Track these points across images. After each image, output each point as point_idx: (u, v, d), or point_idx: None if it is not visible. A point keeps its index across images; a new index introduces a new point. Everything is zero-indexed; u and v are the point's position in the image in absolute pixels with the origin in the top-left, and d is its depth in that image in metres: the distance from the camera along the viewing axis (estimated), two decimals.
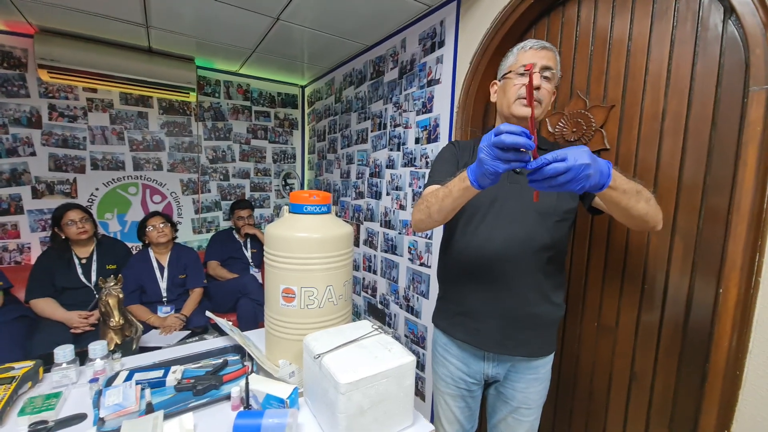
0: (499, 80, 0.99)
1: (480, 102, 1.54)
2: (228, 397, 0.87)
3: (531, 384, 0.98)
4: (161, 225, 2.09)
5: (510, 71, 0.94)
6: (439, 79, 1.68)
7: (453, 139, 1.59)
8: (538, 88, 0.89)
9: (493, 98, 1.02)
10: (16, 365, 0.93)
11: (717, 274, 0.91)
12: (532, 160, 0.62)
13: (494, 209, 0.94)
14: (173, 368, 0.97)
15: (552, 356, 1.01)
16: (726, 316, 0.85)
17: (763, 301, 0.81)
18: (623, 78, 1.10)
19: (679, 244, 1.00)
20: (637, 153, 1.07)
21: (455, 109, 1.59)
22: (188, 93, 2.47)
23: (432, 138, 1.73)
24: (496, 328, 0.94)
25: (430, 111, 1.74)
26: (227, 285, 2.28)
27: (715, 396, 0.88)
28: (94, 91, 2.34)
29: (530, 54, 0.91)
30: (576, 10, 1.22)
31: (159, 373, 0.95)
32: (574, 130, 1.20)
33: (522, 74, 0.91)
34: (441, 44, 1.66)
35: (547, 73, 0.90)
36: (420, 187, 1.81)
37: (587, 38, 1.19)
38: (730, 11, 0.88)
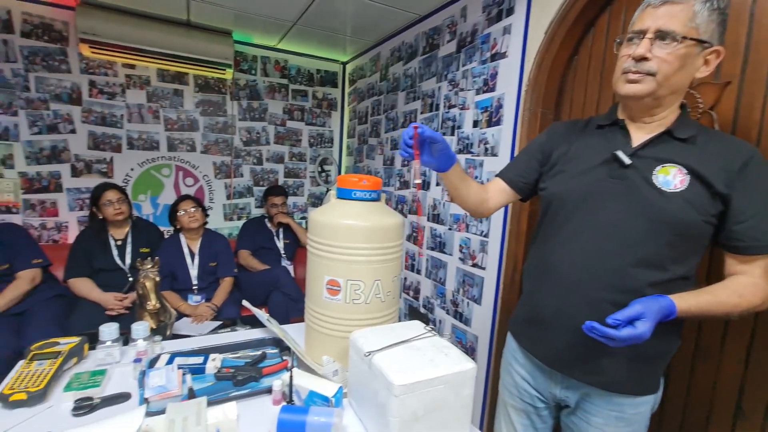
0: None
1: (554, 79, 1.49)
2: (268, 391, 0.92)
3: (612, 423, 0.87)
4: (192, 209, 2.23)
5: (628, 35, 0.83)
6: (505, 52, 1.64)
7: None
8: (642, 59, 0.78)
9: None
10: (61, 341, 1.04)
11: None
12: (415, 161, 0.91)
13: (583, 208, 0.88)
14: (212, 356, 1.04)
15: (650, 398, 0.88)
16: None
17: None
18: (744, 48, 1.01)
19: None
20: (759, 141, 0.98)
21: (524, 87, 1.54)
22: (224, 69, 2.60)
23: (493, 121, 1.70)
24: (565, 344, 0.88)
25: (493, 90, 1.70)
26: (258, 276, 2.40)
27: None
28: (132, 67, 2.53)
29: (646, 14, 0.79)
30: None
31: (198, 360, 1.03)
32: None
33: (630, 39, 0.82)
34: (510, 12, 1.62)
35: (665, 39, 0.76)
36: (476, 177, 1.79)
37: None
38: None
